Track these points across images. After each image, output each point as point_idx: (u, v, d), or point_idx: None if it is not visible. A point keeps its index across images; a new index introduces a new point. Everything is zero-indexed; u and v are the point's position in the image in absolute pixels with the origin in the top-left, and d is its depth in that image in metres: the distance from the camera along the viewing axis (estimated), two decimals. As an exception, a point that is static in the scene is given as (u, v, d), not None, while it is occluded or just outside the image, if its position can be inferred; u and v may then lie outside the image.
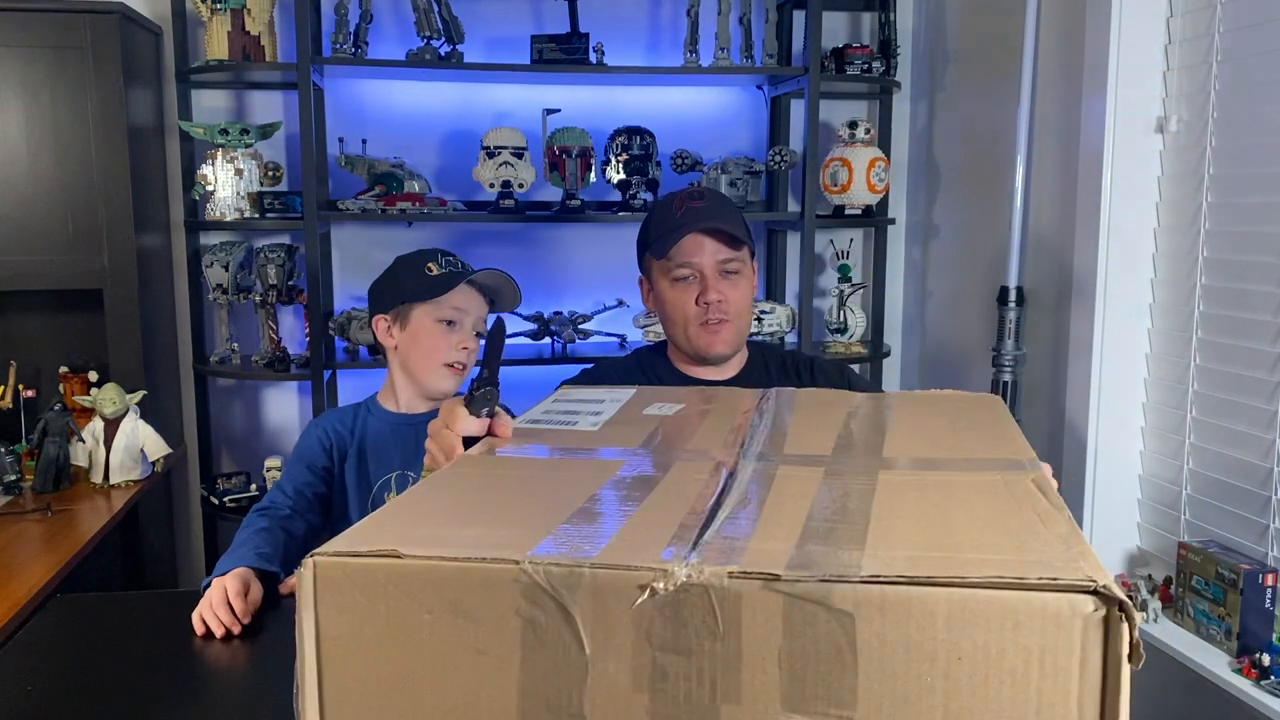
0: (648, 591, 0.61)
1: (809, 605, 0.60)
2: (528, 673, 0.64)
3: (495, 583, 0.64)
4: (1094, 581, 0.57)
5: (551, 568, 0.63)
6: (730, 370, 1.70)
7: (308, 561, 0.66)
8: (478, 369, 1.09)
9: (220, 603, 1.37)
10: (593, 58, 2.71)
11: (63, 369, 2.62)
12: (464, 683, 0.65)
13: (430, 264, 1.76)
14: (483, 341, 1.81)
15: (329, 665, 0.68)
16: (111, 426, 2.40)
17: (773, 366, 1.73)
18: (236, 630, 1.35)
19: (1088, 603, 0.57)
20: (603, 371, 1.72)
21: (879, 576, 0.59)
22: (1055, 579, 0.58)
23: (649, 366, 1.73)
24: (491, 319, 1.74)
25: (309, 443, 1.77)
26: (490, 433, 1.02)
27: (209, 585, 1.41)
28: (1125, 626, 0.57)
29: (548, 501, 0.78)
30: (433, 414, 1.74)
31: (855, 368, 2.19)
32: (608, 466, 0.87)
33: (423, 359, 1.75)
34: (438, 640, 0.65)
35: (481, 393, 1.04)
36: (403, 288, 1.77)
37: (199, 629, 1.36)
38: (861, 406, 1.10)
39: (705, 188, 1.75)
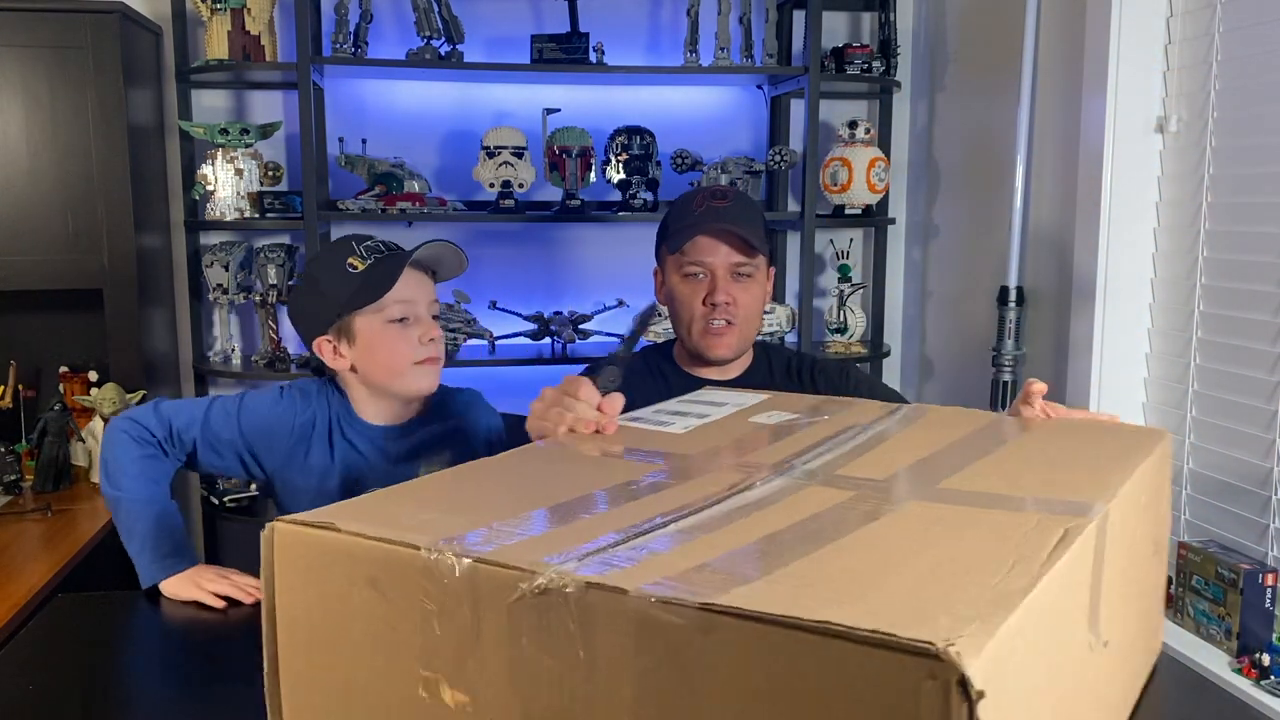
0: (518, 592, 0.62)
1: (654, 625, 0.58)
2: (426, 653, 0.67)
3: (401, 564, 0.67)
4: (933, 645, 0.49)
5: (447, 557, 0.65)
6: (734, 371, 1.70)
7: (270, 527, 0.71)
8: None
9: (238, 577, 1.41)
10: (593, 57, 2.71)
11: (63, 369, 2.62)
12: (380, 653, 0.69)
13: (351, 259, 1.48)
14: (442, 324, 1.65)
15: (282, 625, 0.73)
16: (111, 426, 2.40)
17: (776, 368, 1.73)
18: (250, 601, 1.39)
19: (924, 669, 0.49)
20: None
21: (712, 605, 0.56)
22: (892, 635, 0.50)
23: (655, 366, 1.72)
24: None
25: (262, 422, 1.54)
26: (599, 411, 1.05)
27: (175, 572, 1.43)
28: (964, 707, 0.49)
29: (537, 497, 0.79)
30: (422, 421, 1.62)
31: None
32: (636, 469, 0.87)
33: (385, 370, 1.51)
34: (360, 611, 0.69)
35: (608, 370, 1.09)
36: (333, 298, 1.48)
37: (214, 600, 1.39)
38: (981, 432, 1.00)
39: (733, 188, 1.72)
